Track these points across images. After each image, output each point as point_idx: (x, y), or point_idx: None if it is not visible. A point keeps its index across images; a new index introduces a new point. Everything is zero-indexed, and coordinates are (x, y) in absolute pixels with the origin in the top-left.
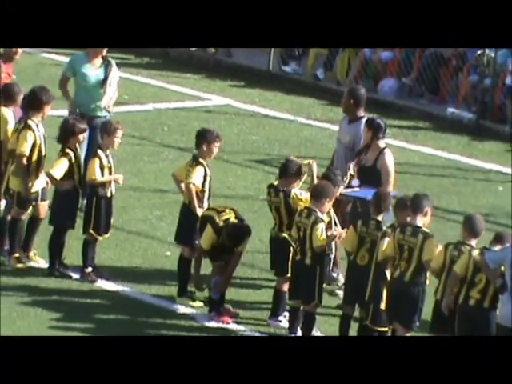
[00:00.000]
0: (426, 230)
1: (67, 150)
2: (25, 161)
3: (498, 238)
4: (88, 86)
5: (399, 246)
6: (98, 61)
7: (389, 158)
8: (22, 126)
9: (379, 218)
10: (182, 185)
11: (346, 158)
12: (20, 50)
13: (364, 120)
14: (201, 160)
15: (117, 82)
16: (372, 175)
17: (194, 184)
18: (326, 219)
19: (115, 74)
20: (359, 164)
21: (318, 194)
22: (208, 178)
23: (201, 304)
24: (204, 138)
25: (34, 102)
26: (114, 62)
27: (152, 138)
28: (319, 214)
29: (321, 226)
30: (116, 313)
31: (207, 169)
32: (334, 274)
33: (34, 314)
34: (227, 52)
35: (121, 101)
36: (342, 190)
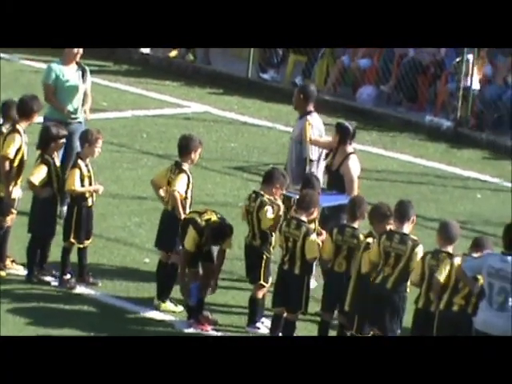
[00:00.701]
0: (415, 237)
1: (46, 157)
2: (7, 164)
3: (477, 244)
4: (66, 91)
5: (385, 253)
6: (73, 66)
7: (352, 164)
8: (10, 129)
9: (355, 225)
10: (161, 191)
11: (294, 152)
12: None
13: (315, 115)
14: (184, 167)
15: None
16: (336, 179)
17: (178, 192)
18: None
19: (89, 79)
20: (327, 167)
21: (305, 205)
22: (191, 186)
23: (181, 309)
24: (190, 145)
25: (24, 110)
26: (87, 68)
27: (131, 144)
28: (310, 226)
29: (313, 237)
30: (94, 319)
31: (190, 176)
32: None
33: (12, 321)
34: (206, 59)
35: (100, 108)
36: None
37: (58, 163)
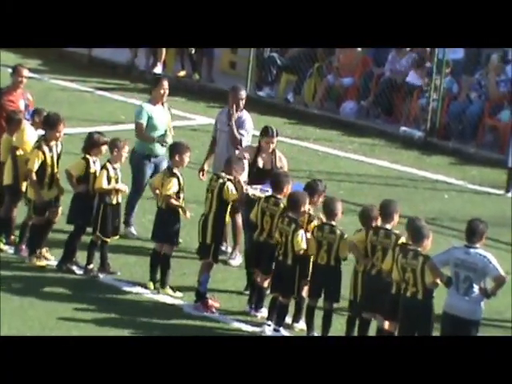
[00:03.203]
0: (397, 231)
1: (87, 156)
2: (34, 176)
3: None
4: (155, 128)
5: (372, 247)
6: (160, 105)
7: (280, 161)
8: (35, 145)
9: (333, 222)
10: (157, 191)
11: (226, 141)
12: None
13: (245, 112)
14: (174, 170)
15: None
16: (267, 176)
17: (170, 195)
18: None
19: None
20: (256, 166)
21: (294, 205)
22: (182, 186)
23: (181, 294)
24: (176, 149)
25: (48, 125)
26: (169, 107)
27: None
28: (299, 222)
29: (301, 232)
30: (114, 303)
31: (180, 177)
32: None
33: (42, 304)
34: (209, 78)
35: (118, 120)
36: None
37: (98, 167)
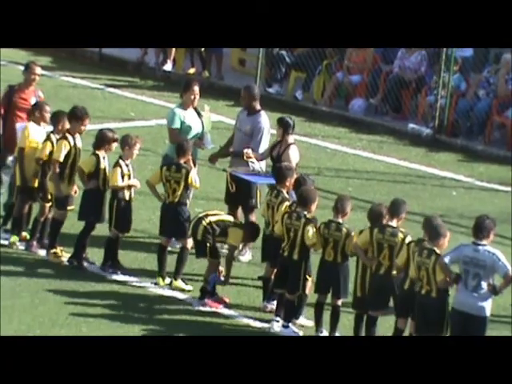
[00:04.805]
0: (402, 230)
1: (97, 152)
2: (57, 167)
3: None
4: (188, 131)
5: (378, 245)
6: (191, 110)
7: (292, 152)
8: (61, 136)
9: (339, 220)
10: (156, 188)
11: (244, 143)
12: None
13: (262, 112)
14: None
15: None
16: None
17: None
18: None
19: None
20: (272, 156)
21: (303, 201)
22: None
23: (191, 287)
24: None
25: (75, 118)
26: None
27: (155, 149)
28: (308, 217)
29: (311, 227)
30: (125, 297)
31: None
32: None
33: (53, 300)
34: (219, 76)
35: (128, 117)
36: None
37: (107, 163)
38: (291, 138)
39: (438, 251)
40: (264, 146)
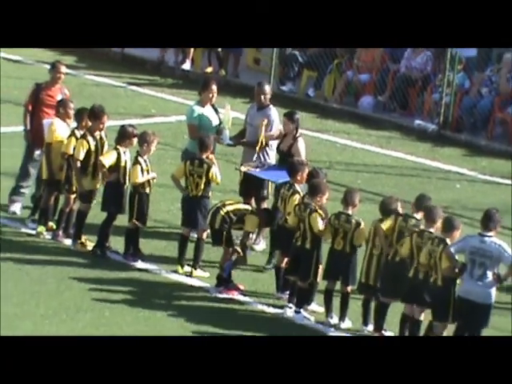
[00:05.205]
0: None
1: (118, 147)
2: (78, 164)
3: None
4: (206, 127)
5: (399, 233)
6: (209, 106)
7: (301, 145)
8: (82, 134)
9: (349, 212)
10: (182, 182)
11: (256, 137)
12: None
13: (271, 106)
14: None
15: None
16: (287, 158)
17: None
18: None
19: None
20: (279, 149)
21: (313, 192)
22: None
23: (208, 274)
24: (208, 142)
25: (93, 116)
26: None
27: (174, 144)
28: (313, 207)
29: (315, 215)
30: (144, 286)
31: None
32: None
33: (78, 287)
34: (235, 74)
35: (149, 114)
36: (255, 170)
37: (128, 157)
38: (298, 132)
39: (447, 240)
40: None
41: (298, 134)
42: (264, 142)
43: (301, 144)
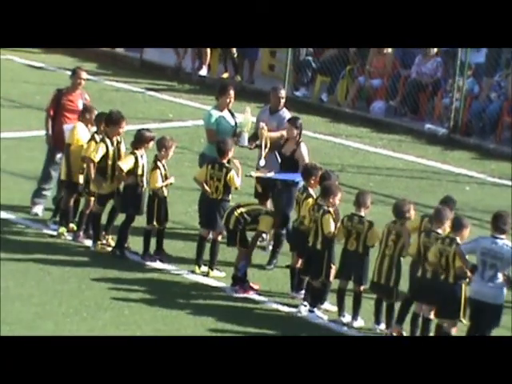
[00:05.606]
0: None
1: (135, 151)
2: (92, 166)
3: (457, 224)
4: (224, 131)
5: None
6: (226, 111)
7: (304, 150)
8: (100, 139)
9: (362, 213)
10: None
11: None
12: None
13: (285, 109)
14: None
15: None
16: (290, 163)
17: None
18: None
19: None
20: (281, 153)
21: (324, 194)
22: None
23: (224, 274)
24: (225, 147)
25: (111, 122)
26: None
27: (191, 147)
28: (326, 208)
29: (328, 216)
30: (161, 286)
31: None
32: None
33: (98, 286)
34: (250, 79)
35: (167, 118)
36: (268, 174)
37: (145, 160)
38: (300, 137)
39: (458, 240)
40: None
41: (300, 139)
42: (269, 144)
43: (304, 149)
